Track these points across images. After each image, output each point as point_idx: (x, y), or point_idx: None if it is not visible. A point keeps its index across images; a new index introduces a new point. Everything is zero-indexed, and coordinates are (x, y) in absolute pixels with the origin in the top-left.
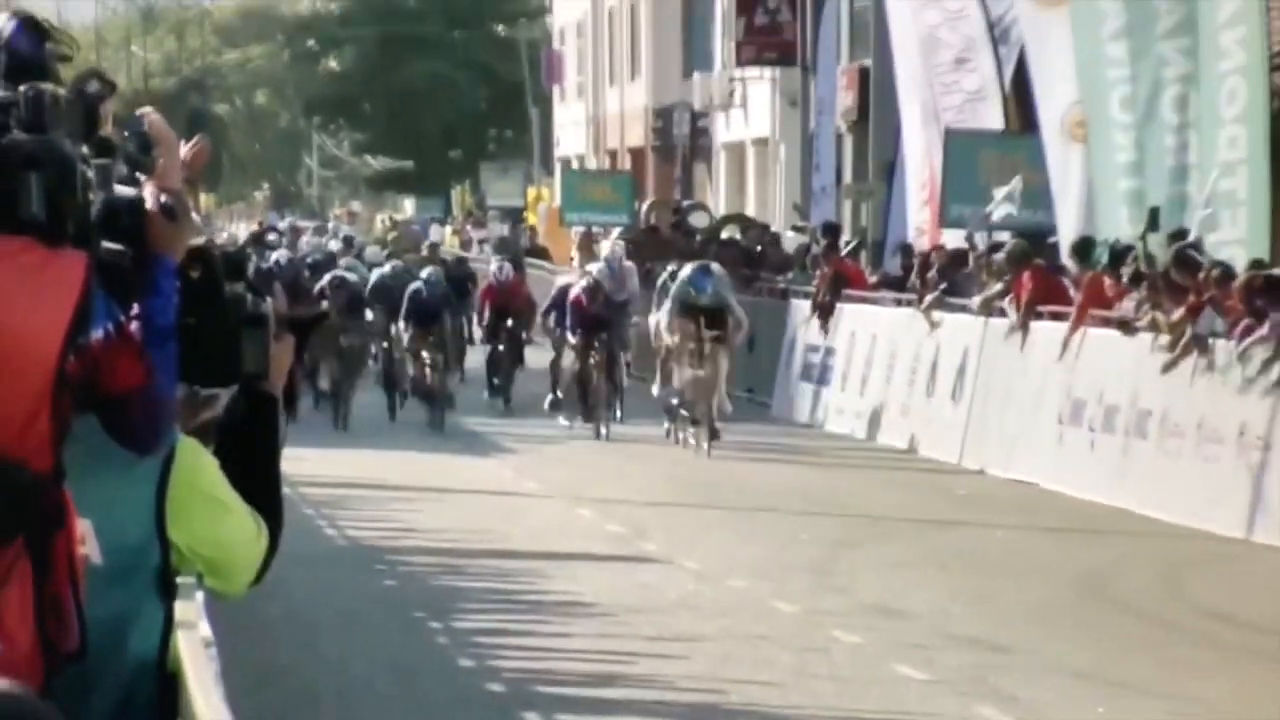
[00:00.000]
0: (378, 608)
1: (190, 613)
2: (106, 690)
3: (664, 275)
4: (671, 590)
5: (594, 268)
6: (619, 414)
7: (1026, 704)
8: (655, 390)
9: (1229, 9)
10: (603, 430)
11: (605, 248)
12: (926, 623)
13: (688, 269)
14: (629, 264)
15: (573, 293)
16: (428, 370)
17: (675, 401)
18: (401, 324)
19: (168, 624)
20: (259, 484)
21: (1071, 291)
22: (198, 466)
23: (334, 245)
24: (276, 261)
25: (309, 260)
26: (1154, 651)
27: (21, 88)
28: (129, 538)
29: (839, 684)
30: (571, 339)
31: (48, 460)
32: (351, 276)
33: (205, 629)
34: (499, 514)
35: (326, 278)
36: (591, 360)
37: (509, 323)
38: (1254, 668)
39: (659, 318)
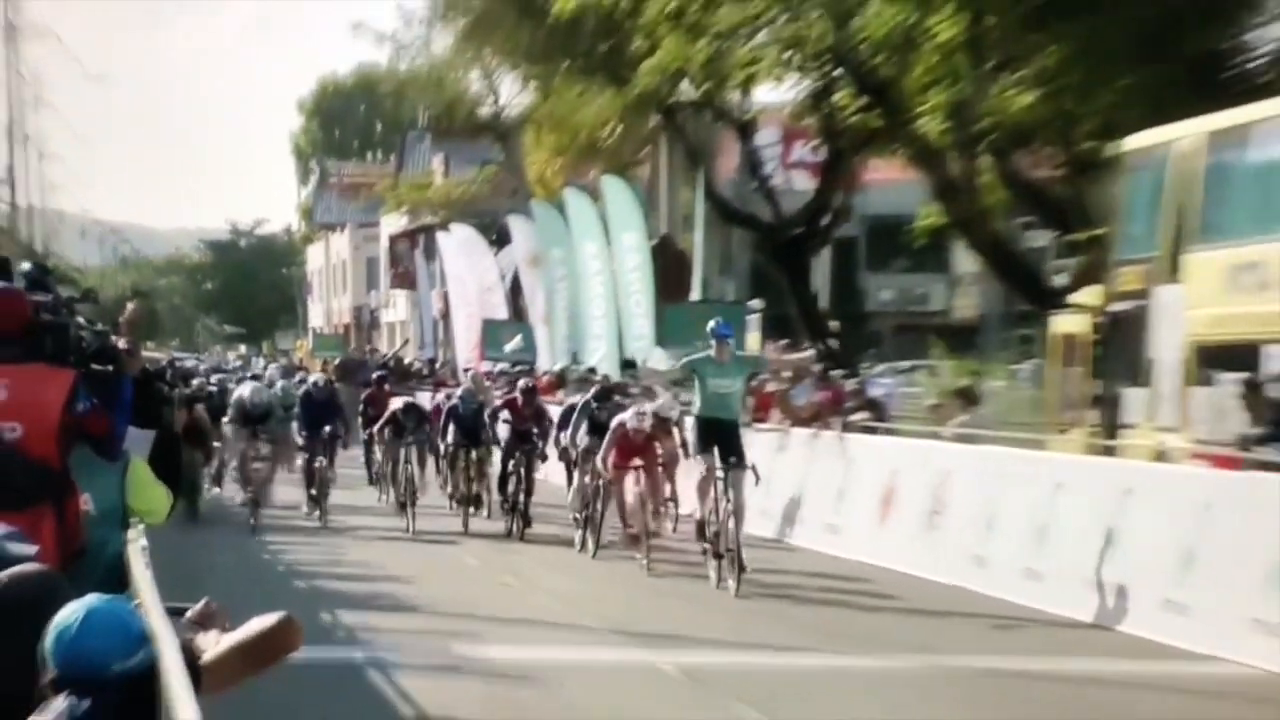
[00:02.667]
0: (233, 535)
1: (135, 534)
2: (94, 573)
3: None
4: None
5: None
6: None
7: (526, 576)
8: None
9: (629, 242)
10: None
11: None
12: (536, 552)
13: (710, 323)
14: (487, 382)
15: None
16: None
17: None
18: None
19: (124, 541)
20: (168, 475)
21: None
22: (139, 468)
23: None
24: (252, 376)
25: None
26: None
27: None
28: (107, 502)
29: (468, 580)
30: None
31: (57, 464)
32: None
33: (143, 542)
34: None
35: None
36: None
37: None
38: (695, 585)
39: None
